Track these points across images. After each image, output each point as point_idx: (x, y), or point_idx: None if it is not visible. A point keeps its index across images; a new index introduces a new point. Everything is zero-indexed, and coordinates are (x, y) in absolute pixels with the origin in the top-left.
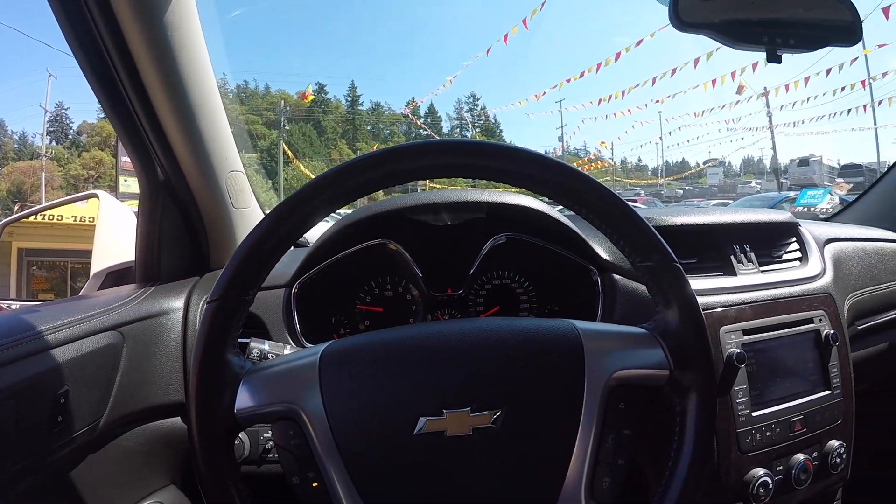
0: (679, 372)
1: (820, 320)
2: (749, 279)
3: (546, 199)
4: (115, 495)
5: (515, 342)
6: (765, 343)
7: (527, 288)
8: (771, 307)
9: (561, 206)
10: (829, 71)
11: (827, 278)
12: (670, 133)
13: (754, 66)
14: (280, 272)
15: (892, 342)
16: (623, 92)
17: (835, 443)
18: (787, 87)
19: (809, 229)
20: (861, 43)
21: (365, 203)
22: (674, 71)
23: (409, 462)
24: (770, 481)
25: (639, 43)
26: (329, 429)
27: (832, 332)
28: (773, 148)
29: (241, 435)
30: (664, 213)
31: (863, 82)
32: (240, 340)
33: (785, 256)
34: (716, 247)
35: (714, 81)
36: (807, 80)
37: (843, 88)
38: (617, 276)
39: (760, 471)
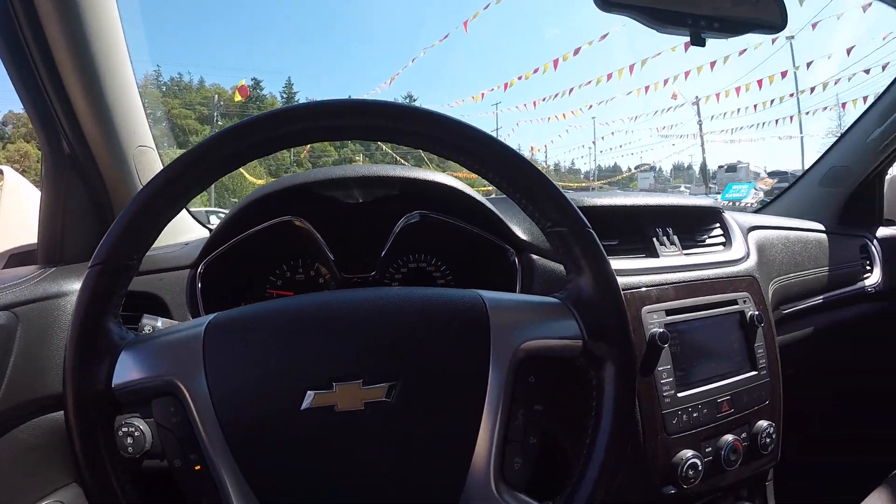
0: (593, 342)
1: (744, 301)
2: (672, 261)
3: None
4: (11, 494)
5: (414, 311)
6: (688, 324)
7: (443, 271)
8: (694, 288)
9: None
10: (760, 82)
11: (751, 262)
12: (603, 138)
13: (686, 73)
14: (185, 253)
15: (816, 327)
16: (556, 95)
17: (763, 423)
18: (717, 96)
19: (733, 216)
20: (791, 59)
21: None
22: (609, 76)
23: (297, 441)
24: (699, 463)
25: (577, 51)
26: (212, 405)
27: (757, 313)
28: (703, 154)
29: (142, 425)
30: (585, 195)
31: (791, 95)
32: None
33: (708, 241)
34: (638, 229)
35: (647, 88)
36: (738, 89)
37: (772, 101)
38: (535, 256)
39: (689, 452)
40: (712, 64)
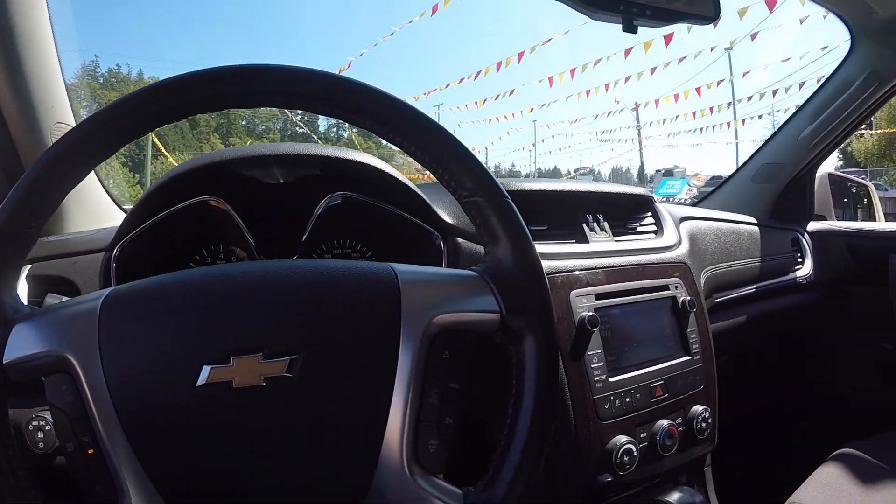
0: (511, 316)
1: (676, 287)
2: (602, 246)
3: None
4: None
5: (320, 282)
6: (619, 308)
7: (368, 256)
8: (625, 273)
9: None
10: (698, 90)
11: (682, 249)
12: (544, 140)
13: (627, 79)
14: (101, 236)
15: (749, 316)
16: (498, 96)
17: (699, 408)
18: (656, 102)
19: (666, 207)
20: (729, 68)
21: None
22: (550, 79)
23: (194, 421)
24: (634, 449)
25: (520, 56)
26: (105, 383)
27: (689, 298)
28: (641, 159)
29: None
30: (514, 180)
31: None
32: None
33: (640, 228)
34: (567, 215)
35: (588, 92)
36: (676, 96)
37: (711, 109)
38: (460, 240)
39: (623, 438)
40: (652, 70)
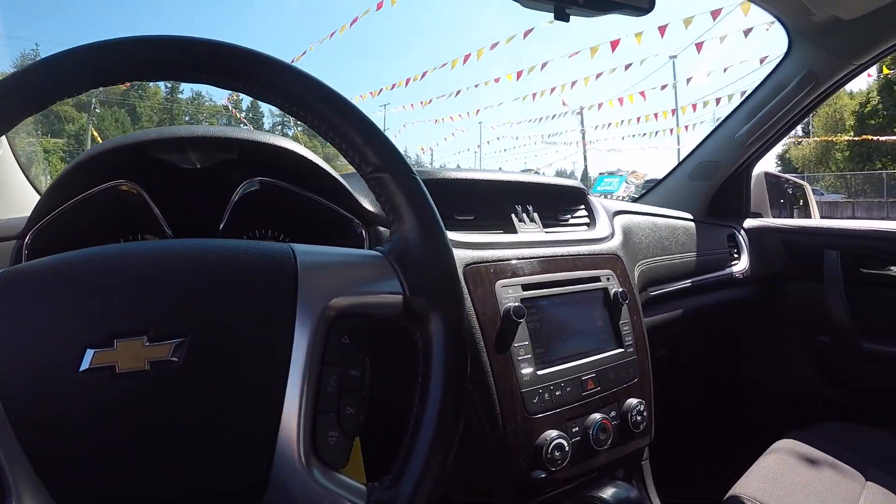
0: (416, 297)
1: (608, 279)
2: (531, 237)
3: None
4: None
5: (211, 262)
6: (548, 300)
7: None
8: (555, 264)
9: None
10: (643, 94)
11: (615, 242)
12: (489, 142)
13: (573, 83)
14: (13, 224)
15: (686, 310)
16: (443, 96)
17: (633, 401)
18: (600, 105)
19: (599, 201)
20: (673, 76)
21: None
22: (497, 80)
23: (78, 408)
24: (566, 444)
25: (466, 58)
26: None
27: (621, 290)
28: (585, 161)
29: None
30: (440, 170)
31: (673, 110)
32: None
33: (572, 221)
34: (495, 205)
35: (535, 95)
36: (621, 100)
37: (656, 115)
38: (383, 229)
39: (553, 433)
40: (598, 75)
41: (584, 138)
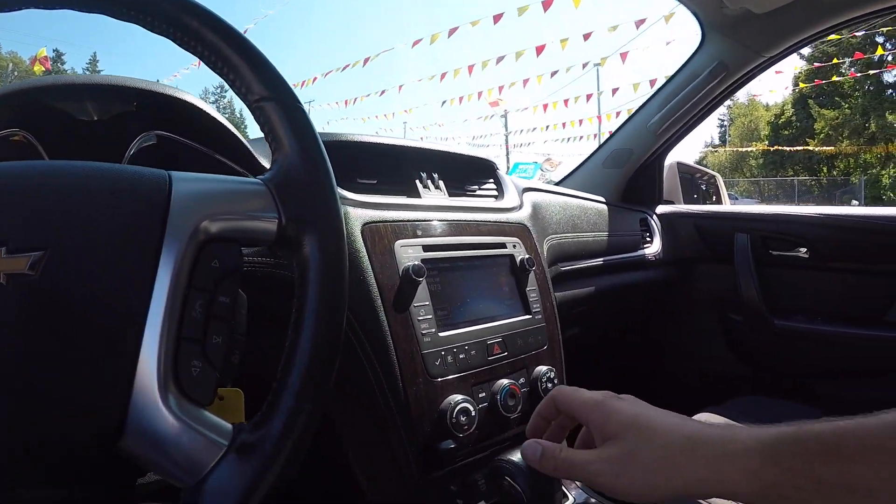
0: (291, 223)
1: (514, 246)
2: (435, 201)
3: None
4: None
5: (81, 178)
6: (451, 263)
7: None
8: (458, 228)
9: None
10: (566, 101)
11: (523, 213)
12: None
13: (500, 88)
14: None
15: (598, 287)
16: (368, 95)
17: (543, 368)
18: (525, 110)
19: (509, 177)
20: (597, 83)
21: None
22: (420, 80)
23: None
24: (472, 408)
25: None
26: None
27: (528, 256)
28: (507, 163)
29: None
30: (344, 133)
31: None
32: None
33: (479, 192)
34: (399, 170)
35: (461, 98)
36: (545, 106)
37: (581, 121)
38: None
39: (458, 397)
40: (525, 81)
41: (507, 141)
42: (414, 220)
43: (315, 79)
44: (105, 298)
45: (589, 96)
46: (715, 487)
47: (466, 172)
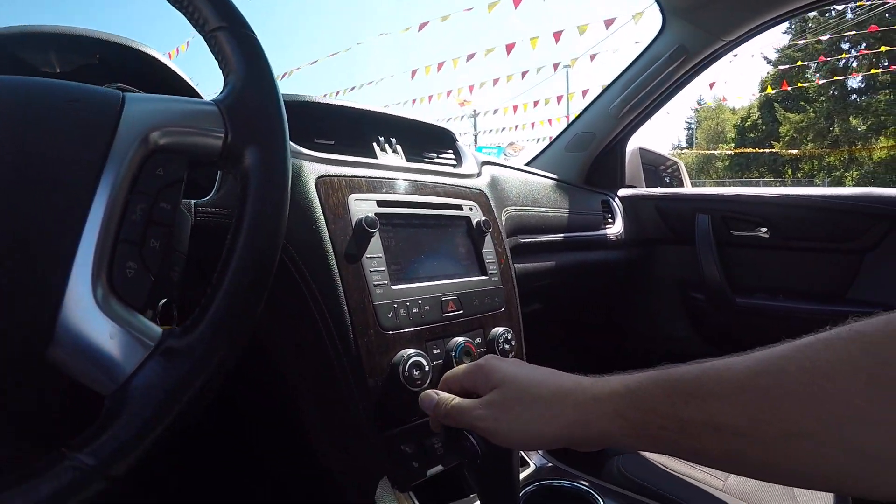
0: (236, 138)
1: (471, 209)
2: (391, 162)
3: None
4: None
5: (38, 87)
6: (406, 219)
7: None
8: (415, 187)
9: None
10: (535, 103)
11: (482, 181)
12: None
13: (471, 88)
14: None
15: (559, 263)
16: (326, 95)
17: (500, 329)
18: (494, 111)
19: (469, 149)
20: (566, 85)
21: None
22: (392, 76)
23: None
24: (425, 363)
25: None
26: None
27: (484, 219)
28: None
29: None
30: (304, 95)
31: (568, 117)
32: None
33: (437, 159)
34: (358, 134)
35: (430, 97)
36: (515, 108)
37: (550, 121)
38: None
39: (411, 350)
40: (495, 81)
41: (475, 141)
42: (369, 177)
43: (285, 74)
44: (48, 199)
45: (560, 98)
46: (587, 430)
47: (426, 140)
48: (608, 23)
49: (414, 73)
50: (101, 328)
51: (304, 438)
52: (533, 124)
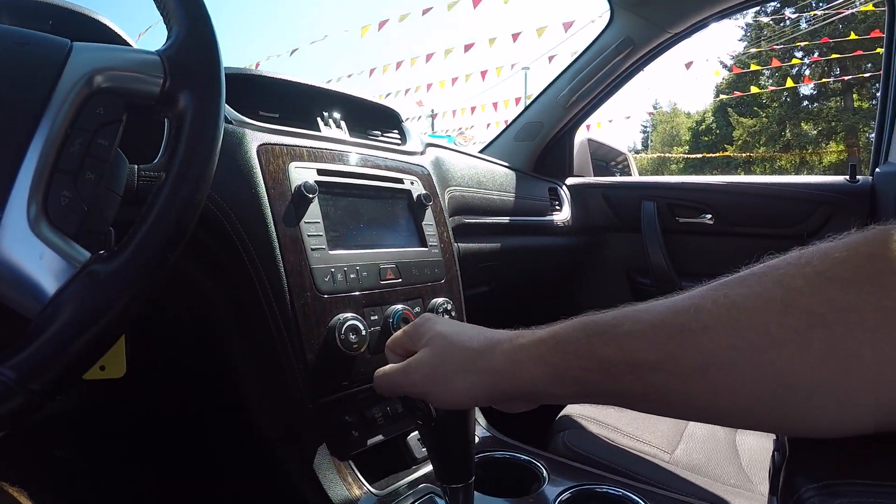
0: (174, 82)
1: (412, 183)
2: (334, 135)
3: None
4: None
5: None
6: (345, 189)
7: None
8: (356, 160)
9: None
10: (495, 105)
11: (425, 159)
12: None
13: (429, 86)
14: None
15: (504, 245)
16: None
17: (439, 300)
18: (454, 112)
19: (415, 130)
20: (524, 87)
21: None
22: (350, 76)
23: None
24: (361, 327)
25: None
26: None
27: (425, 192)
28: None
29: None
30: (249, 68)
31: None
32: None
33: (382, 137)
34: (302, 108)
35: (388, 95)
36: (473, 108)
37: (506, 122)
38: None
39: (348, 314)
40: (454, 80)
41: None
42: (311, 147)
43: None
44: None
45: (518, 100)
46: (517, 379)
47: (371, 119)
48: (567, 25)
49: (372, 71)
50: (31, 250)
51: (246, 413)
52: (489, 125)
